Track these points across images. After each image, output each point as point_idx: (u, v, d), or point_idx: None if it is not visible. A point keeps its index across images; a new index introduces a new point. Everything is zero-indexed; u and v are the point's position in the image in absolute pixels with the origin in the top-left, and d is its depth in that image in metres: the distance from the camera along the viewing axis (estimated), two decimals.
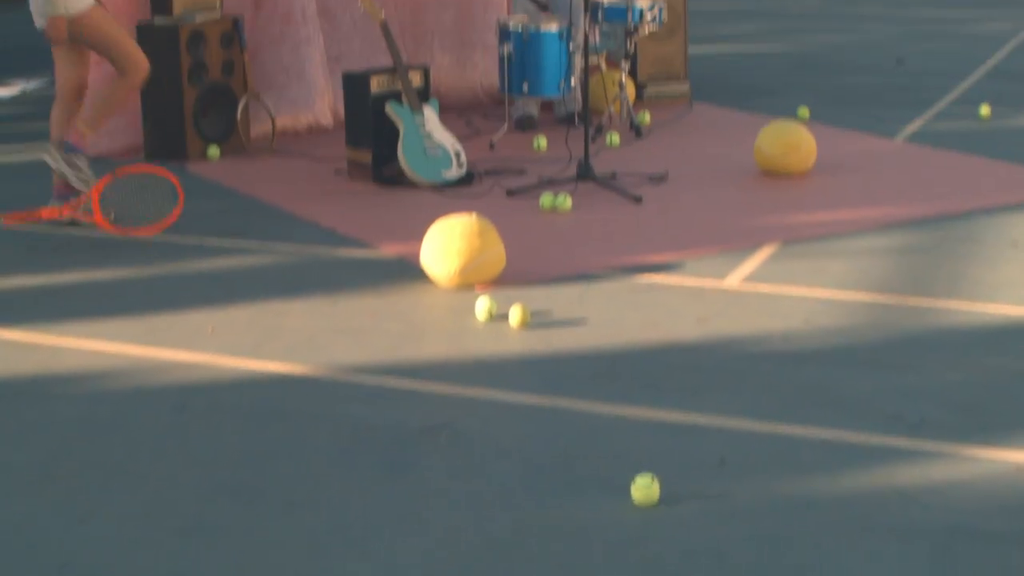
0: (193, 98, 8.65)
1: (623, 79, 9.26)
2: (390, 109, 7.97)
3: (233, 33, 8.82)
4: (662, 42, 10.13)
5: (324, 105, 9.34)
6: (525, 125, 9.33)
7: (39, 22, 7.31)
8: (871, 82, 11.28)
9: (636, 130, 9.11)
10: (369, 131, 8.02)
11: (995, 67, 11.88)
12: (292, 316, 5.99)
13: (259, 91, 9.04)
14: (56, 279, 6.63)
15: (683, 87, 10.26)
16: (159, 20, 8.68)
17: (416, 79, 8.15)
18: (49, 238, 7.21)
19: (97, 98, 7.52)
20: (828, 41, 13.76)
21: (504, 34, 8.84)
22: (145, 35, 8.60)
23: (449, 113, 9.49)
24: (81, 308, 6.18)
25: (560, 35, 8.77)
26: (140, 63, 7.44)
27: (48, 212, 7.17)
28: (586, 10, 8.00)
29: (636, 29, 9.03)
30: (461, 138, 8.48)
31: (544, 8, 9.26)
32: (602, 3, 9.05)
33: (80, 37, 7.31)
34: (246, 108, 8.87)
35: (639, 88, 10.09)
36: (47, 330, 5.90)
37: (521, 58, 8.81)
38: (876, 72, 11.78)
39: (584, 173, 7.72)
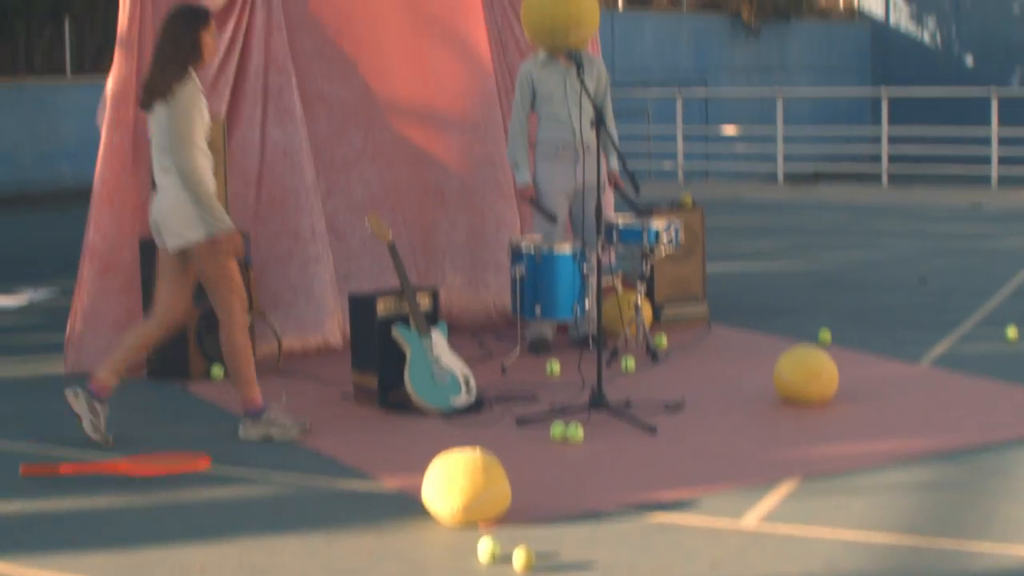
0: (197, 316, 8.46)
1: (639, 301, 9.05)
2: (397, 333, 7.76)
3: None
4: (679, 262, 9.96)
5: (333, 325, 9.15)
6: (538, 348, 9.10)
7: (191, 236, 7.10)
8: (894, 302, 11.07)
9: (652, 354, 8.88)
10: (375, 355, 7.81)
11: (1021, 285, 11.66)
12: (285, 554, 5.68)
13: (265, 310, 8.86)
14: (40, 505, 6.35)
15: (701, 308, 10.06)
16: None
17: (425, 301, 7.96)
18: (36, 460, 6.93)
19: (230, 361, 7.37)
20: (849, 258, 13.60)
21: (516, 255, 8.68)
22: (148, 253, 8.48)
23: (461, 334, 9.30)
24: (65, 537, 5.89)
25: (573, 257, 8.61)
26: (245, 307, 7.31)
27: (67, 468, 6.76)
28: (599, 230, 7.80)
29: (652, 251, 8.86)
30: (472, 360, 8.27)
31: (552, 219, 9.07)
32: (617, 224, 8.90)
33: (216, 258, 7.15)
34: (251, 327, 8.66)
35: (656, 310, 9.89)
36: (27, 562, 5.60)
37: (534, 280, 8.65)
38: (898, 291, 11.58)
39: (597, 402, 7.46)
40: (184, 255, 7.20)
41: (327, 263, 9.16)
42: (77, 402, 7.16)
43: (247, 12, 9.09)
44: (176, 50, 7.07)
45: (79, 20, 22.76)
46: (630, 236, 8.83)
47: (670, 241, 8.89)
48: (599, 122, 7.51)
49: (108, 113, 8.71)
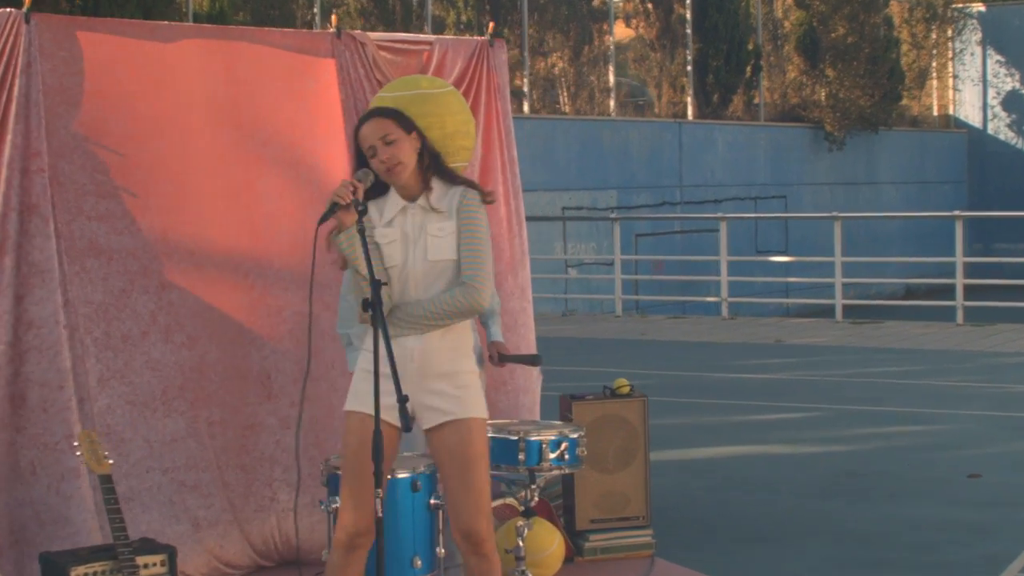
0: None
1: (520, 542, 6.19)
2: None
3: None
4: (612, 473, 7.20)
5: None
6: None
7: None
8: (930, 516, 8.13)
9: None
10: None
11: None
12: None
13: None
14: None
15: (642, 537, 7.23)
16: None
17: (156, 566, 5.28)
18: None
19: None
20: (886, 437, 10.67)
21: (332, 481, 5.92)
22: None
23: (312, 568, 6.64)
24: None
25: (412, 484, 5.82)
26: None
27: None
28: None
29: (533, 477, 6.10)
30: None
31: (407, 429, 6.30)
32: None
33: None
34: None
35: (576, 539, 7.10)
36: None
37: None
38: (940, 496, 8.64)
39: None
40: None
41: (91, 480, 6.49)
42: None
43: None
44: None
45: None
46: (501, 454, 6.06)
47: (562, 461, 6.11)
48: (374, 302, 4.76)
49: None
